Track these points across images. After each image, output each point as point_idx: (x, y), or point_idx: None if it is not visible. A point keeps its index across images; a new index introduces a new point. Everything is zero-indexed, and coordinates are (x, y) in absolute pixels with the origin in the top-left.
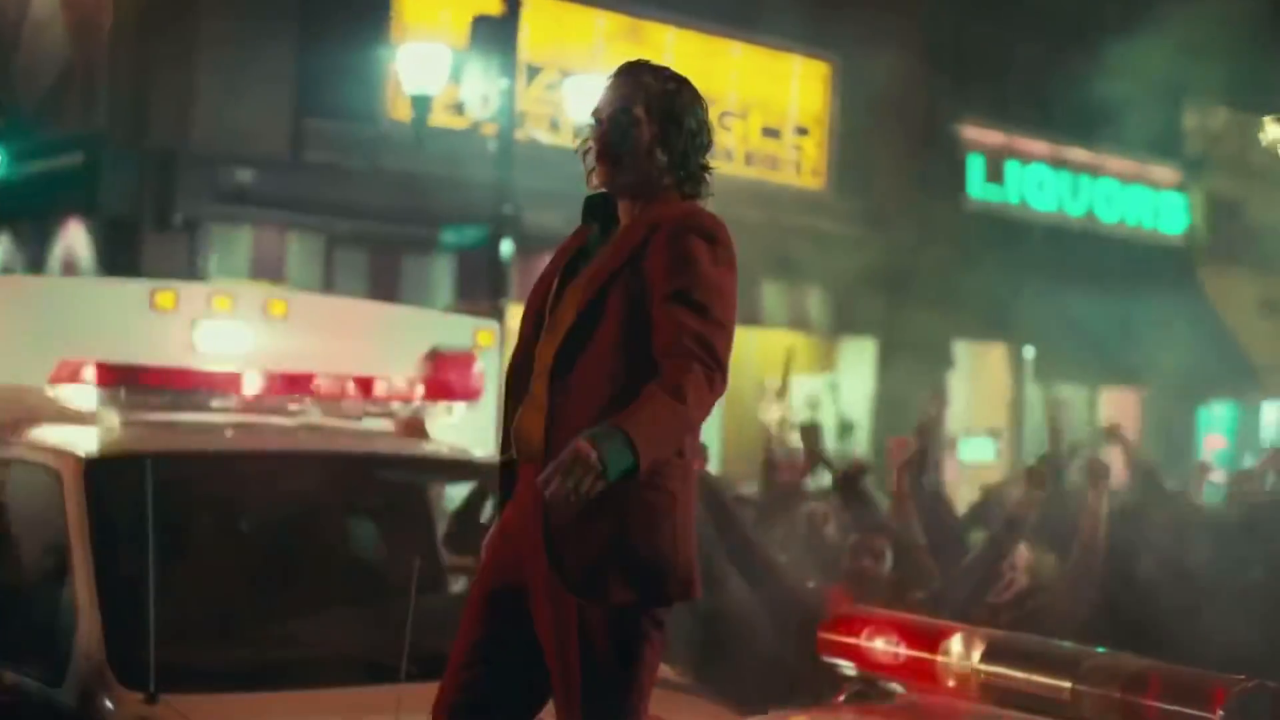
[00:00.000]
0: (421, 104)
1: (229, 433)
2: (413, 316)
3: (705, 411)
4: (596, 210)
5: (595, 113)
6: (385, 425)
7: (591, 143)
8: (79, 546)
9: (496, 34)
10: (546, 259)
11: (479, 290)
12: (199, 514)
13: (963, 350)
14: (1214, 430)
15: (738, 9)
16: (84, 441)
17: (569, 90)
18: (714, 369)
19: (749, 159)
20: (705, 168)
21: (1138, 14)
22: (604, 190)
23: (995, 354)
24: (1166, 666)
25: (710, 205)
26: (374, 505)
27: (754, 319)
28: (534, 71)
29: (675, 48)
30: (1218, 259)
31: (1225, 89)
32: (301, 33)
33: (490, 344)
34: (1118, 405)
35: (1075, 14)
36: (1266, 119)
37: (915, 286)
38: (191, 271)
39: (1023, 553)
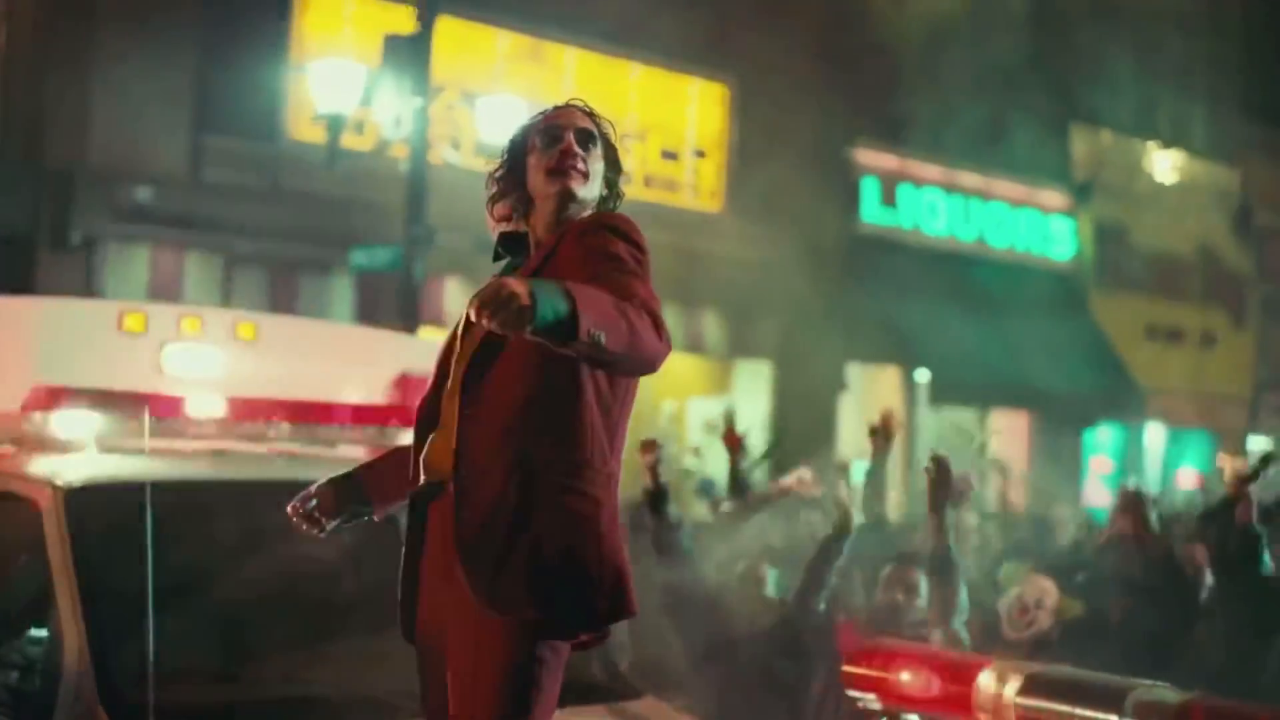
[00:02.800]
0: (334, 123)
1: (210, 461)
2: (382, 339)
3: (648, 347)
4: (510, 248)
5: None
6: (359, 451)
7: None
8: (63, 582)
9: (409, 53)
10: (453, 282)
11: (379, 313)
12: (184, 545)
13: (855, 373)
14: (1100, 453)
15: (637, 30)
16: (64, 471)
17: (481, 111)
18: (657, 321)
19: (648, 181)
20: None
21: (1028, 40)
22: (515, 229)
23: (888, 377)
24: (1210, 699)
25: None
26: (354, 535)
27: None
28: (435, 92)
29: (575, 69)
30: (1105, 283)
31: (1112, 114)
32: (201, 50)
33: None
34: (1007, 427)
35: (969, 40)
36: (1151, 144)
37: (809, 309)
38: (87, 292)
39: (1050, 592)
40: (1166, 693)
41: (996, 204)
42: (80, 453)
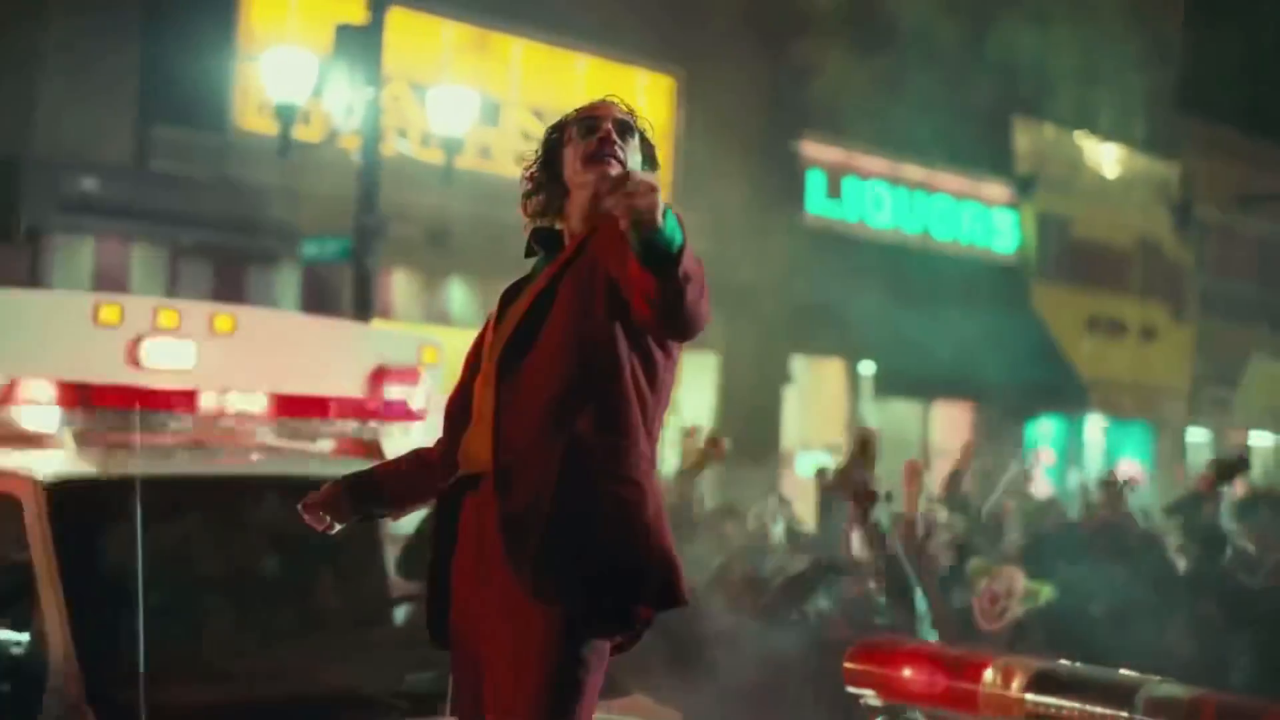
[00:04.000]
0: (287, 113)
1: (194, 456)
2: (358, 332)
3: (704, 312)
4: (543, 243)
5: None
6: (334, 446)
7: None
8: (46, 579)
9: (360, 43)
10: (401, 273)
11: (325, 305)
12: (167, 541)
13: (801, 365)
14: (1043, 444)
15: (585, 22)
16: (45, 465)
17: (431, 101)
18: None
19: None
20: None
21: (972, 34)
22: (548, 225)
23: (832, 369)
24: (1220, 695)
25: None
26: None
27: None
28: (383, 82)
29: (522, 60)
30: (1047, 276)
31: (1053, 108)
32: (147, 38)
33: (435, 361)
34: (950, 419)
35: (915, 32)
36: (1092, 138)
37: (755, 302)
38: (33, 283)
39: (1018, 580)
40: (1176, 689)
41: (940, 197)
42: (59, 448)
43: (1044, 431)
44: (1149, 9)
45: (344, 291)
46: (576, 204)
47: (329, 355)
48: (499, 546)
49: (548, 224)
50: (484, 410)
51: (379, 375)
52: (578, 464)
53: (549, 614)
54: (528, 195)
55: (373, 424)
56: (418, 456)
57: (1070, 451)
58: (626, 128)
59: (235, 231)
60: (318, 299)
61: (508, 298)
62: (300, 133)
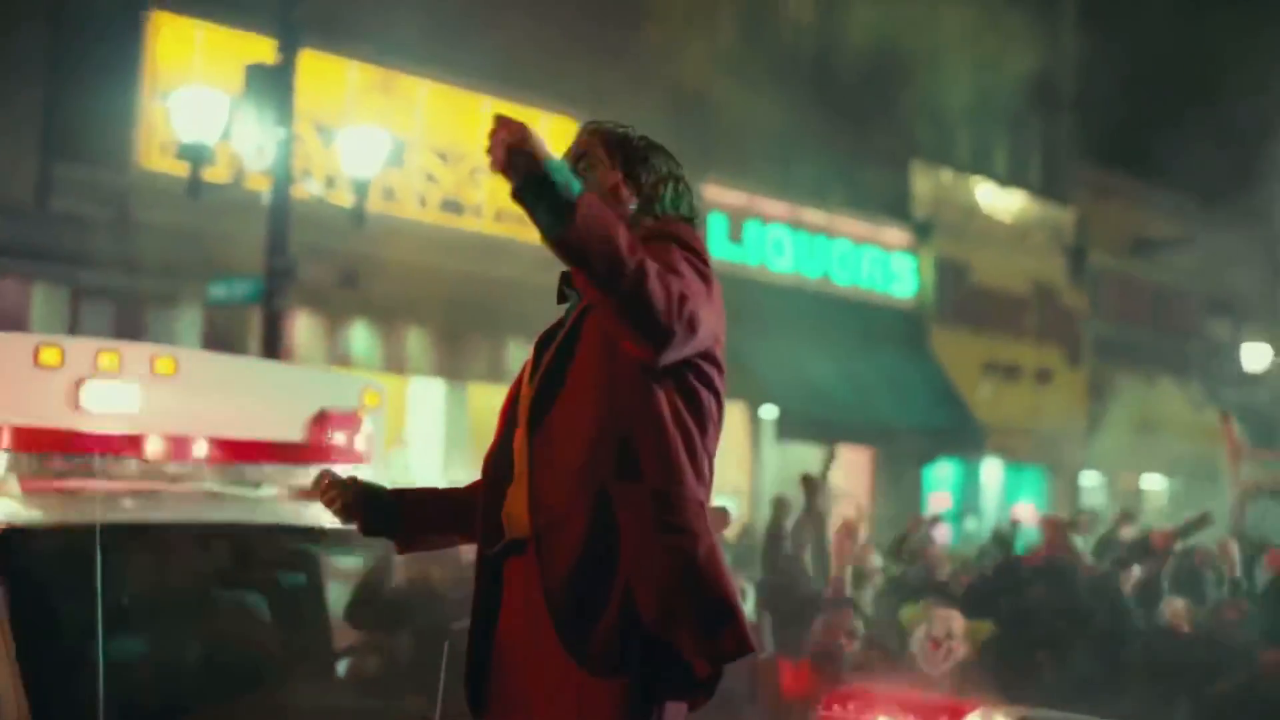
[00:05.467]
0: (197, 153)
1: (141, 502)
2: (300, 375)
3: (650, 303)
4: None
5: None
6: (278, 491)
7: None
8: None
9: (271, 83)
10: (304, 315)
11: (228, 348)
12: (118, 590)
13: None
14: (940, 488)
15: (490, 64)
16: None
17: (343, 142)
18: (683, 301)
19: (498, 216)
20: (687, 218)
21: (873, 79)
22: None
23: (734, 413)
24: None
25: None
26: (289, 579)
27: (502, 376)
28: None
29: (427, 101)
30: (945, 320)
31: (951, 154)
32: (50, 75)
33: (377, 404)
34: (851, 463)
35: (814, 77)
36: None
37: None
38: None
39: (956, 620)
40: None
41: (841, 241)
42: (4, 494)
43: (942, 475)
44: (1046, 56)
45: (247, 334)
46: None
47: (270, 399)
48: (547, 618)
49: None
50: (521, 467)
51: (321, 419)
52: (620, 517)
53: (611, 687)
54: None
55: (315, 468)
56: (445, 497)
57: (967, 495)
58: (581, 155)
59: (137, 272)
60: (220, 342)
61: (542, 345)
62: (207, 173)
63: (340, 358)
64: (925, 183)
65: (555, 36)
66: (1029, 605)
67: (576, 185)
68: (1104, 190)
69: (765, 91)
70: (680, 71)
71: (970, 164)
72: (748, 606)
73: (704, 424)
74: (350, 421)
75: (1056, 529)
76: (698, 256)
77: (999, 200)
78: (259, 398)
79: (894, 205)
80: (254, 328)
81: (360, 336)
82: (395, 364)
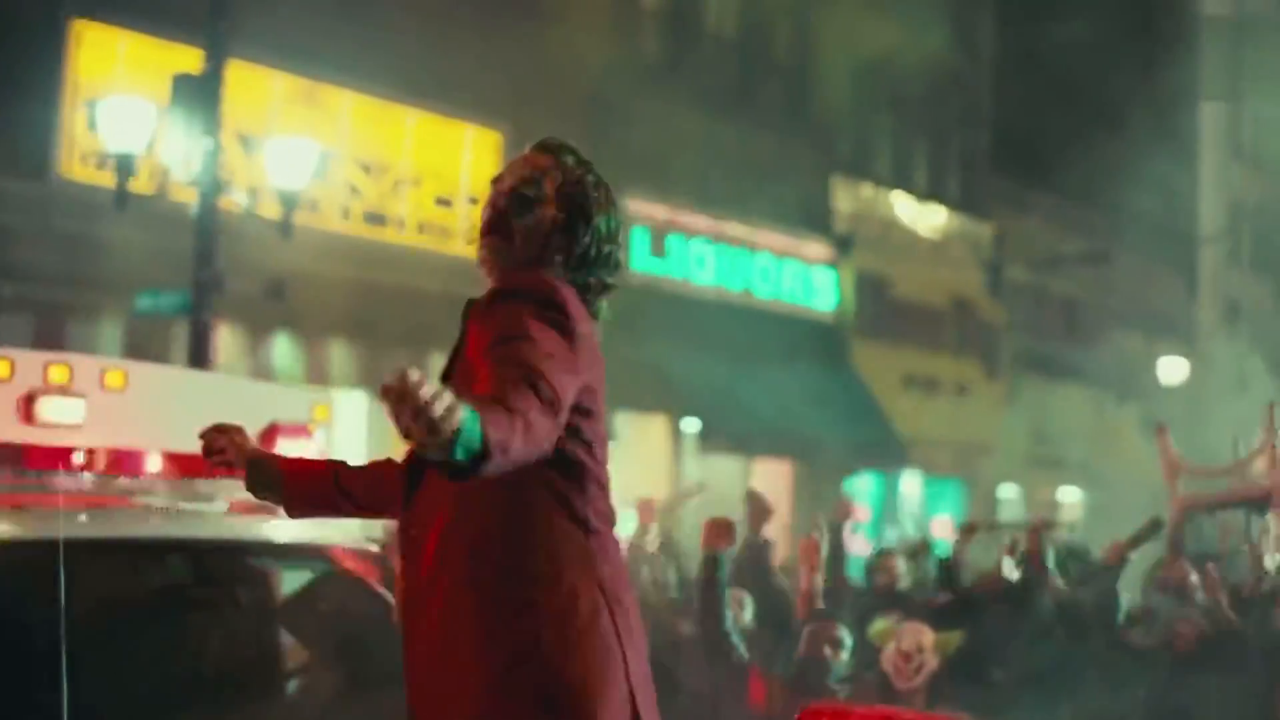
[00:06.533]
0: (123, 163)
1: (91, 516)
2: (251, 389)
3: (536, 443)
4: None
5: (496, 180)
6: (229, 504)
7: (484, 210)
8: None
9: (198, 93)
10: (226, 328)
11: (152, 360)
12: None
13: (624, 421)
14: (859, 500)
15: (414, 76)
16: None
17: (271, 153)
18: (546, 396)
19: (421, 228)
20: (607, 286)
21: (794, 93)
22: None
23: (656, 425)
24: None
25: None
26: (239, 593)
27: None
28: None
29: (351, 113)
30: (866, 334)
31: (871, 168)
32: None
33: (327, 418)
34: (771, 475)
35: (736, 90)
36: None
37: None
38: None
39: (925, 634)
40: None
41: (763, 254)
42: None
43: (861, 488)
44: (964, 71)
45: (171, 346)
46: None
47: (221, 412)
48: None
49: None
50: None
51: (271, 432)
52: (468, 609)
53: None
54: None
55: None
56: (372, 471)
57: (887, 508)
58: (523, 200)
59: (57, 283)
60: (141, 355)
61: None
62: (131, 183)
63: (263, 370)
64: (846, 197)
65: (478, 49)
66: (987, 631)
67: (477, 435)
68: (1021, 205)
69: (687, 105)
70: (603, 85)
71: (890, 178)
72: (746, 615)
73: (581, 482)
74: (300, 434)
75: (1035, 539)
76: (560, 311)
77: (919, 214)
78: (209, 411)
79: (815, 219)
80: (178, 340)
81: (283, 349)
82: (318, 376)
